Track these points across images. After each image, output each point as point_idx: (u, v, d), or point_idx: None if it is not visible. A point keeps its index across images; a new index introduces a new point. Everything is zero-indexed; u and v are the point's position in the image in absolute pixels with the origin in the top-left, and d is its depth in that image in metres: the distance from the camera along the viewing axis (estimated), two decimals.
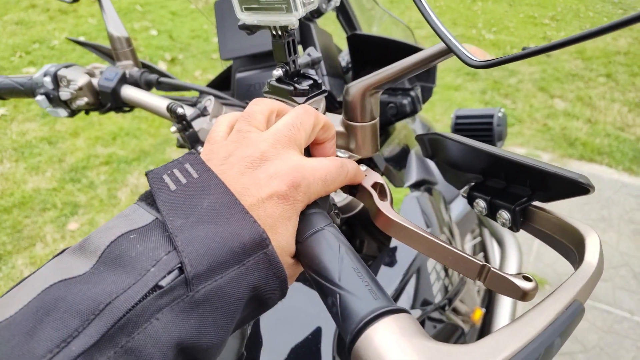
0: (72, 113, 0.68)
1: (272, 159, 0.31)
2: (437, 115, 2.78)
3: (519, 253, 1.02)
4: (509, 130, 2.64)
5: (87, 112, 0.69)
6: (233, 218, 0.28)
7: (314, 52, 0.42)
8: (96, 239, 0.28)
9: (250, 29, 0.39)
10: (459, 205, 1.10)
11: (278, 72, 0.39)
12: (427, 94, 0.68)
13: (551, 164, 0.36)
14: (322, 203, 0.35)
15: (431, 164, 0.83)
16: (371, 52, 0.70)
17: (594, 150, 2.45)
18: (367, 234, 0.73)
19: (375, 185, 0.39)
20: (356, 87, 0.40)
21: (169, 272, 0.26)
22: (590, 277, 0.31)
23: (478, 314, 1.18)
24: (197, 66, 3.49)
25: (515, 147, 2.52)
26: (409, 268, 0.58)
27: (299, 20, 0.70)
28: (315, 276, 0.29)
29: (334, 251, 0.29)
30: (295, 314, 0.50)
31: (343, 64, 0.78)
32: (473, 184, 0.42)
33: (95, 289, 0.25)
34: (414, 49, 0.68)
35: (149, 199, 0.30)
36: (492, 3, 0.68)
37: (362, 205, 0.63)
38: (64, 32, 4.04)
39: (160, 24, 4.15)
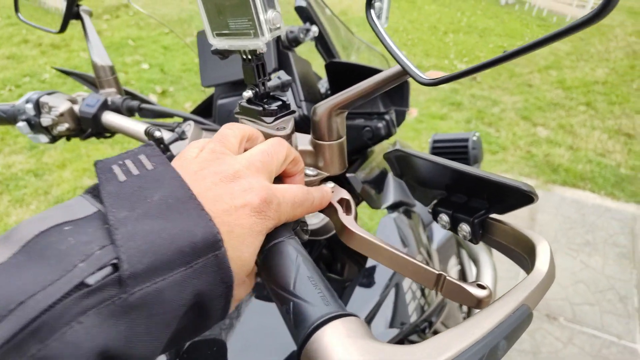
0: (53, 139, 0.69)
1: (245, 177, 0.31)
2: (423, 143, 2.82)
3: (493, 271, 1.03)
4: (494, 158, 2.69)
5: (68, 138, 0.70)
6: (186, 214, 0.26)
7: (284, 76, 0.44)
8: (25, 228, 0.24)
9: (222, 54, 0.41)
10: (442, 230, 1.12)
11: (248, 93, 0.41)
12: (401, 117, 0.70)
13: (501, 175, 0.38)
14: (287, 226, 0.36)
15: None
16: (348, 78, 0.73)
17: (577, 176, 2.50)
18: (347, 257, 0.74)
19: (342, 201, 0.41)
20: (322, 107, 0.42)
21: (100, 269, 0.23)
22: (539, 283, 0.32)
23: None
24: (187, 98, 3.53)
25: (500, 174, 2.56)
26: (385, 288, 0.59)
27: (280, 49, 0.73)
28: (272, 286, 0.30)
29: (292, 261, 0.30)
30: (265, 335, 0.50)
31: (322, 90, 0.81)
32: (437, 200, 0.44)
33: (8, 284, 0.21)
34: None
35: (95, 191, 0.28)
36: (463, 35, 0.72)
37: (333, 231, 0.64)
38: (55, 65, 4.09)
39: (152, 58, 4.22)
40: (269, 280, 0.31)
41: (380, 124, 0.67)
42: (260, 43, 0.37)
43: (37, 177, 2.68)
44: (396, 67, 0.40)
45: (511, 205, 0.37)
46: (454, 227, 0.41)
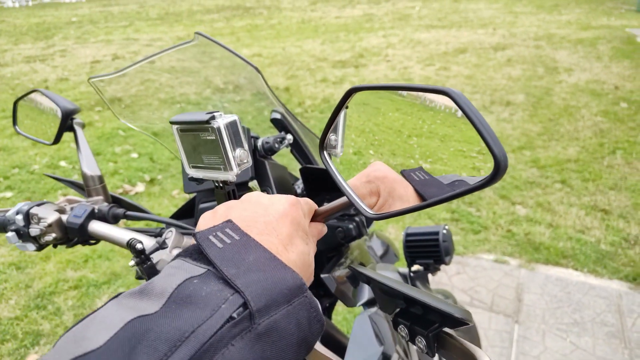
0: (40, 247, 0.72)
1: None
2: (407, 224, 2.88)
3: None
4: (476, 237, 2.74)
5: (54, 246, 0.73)
6: (276, 268, 0.36)
7: (256, 186, 0.49)
8: (159, 284, 0.33)
9: (198, 181, 0.46)
10: None
11: None
12: (369, 219, 0.75)
13: (442, 299, 0.43)
14: None
15: (379, 268, 0.88)
16: (320, 181, 0.79)
17: (558, 254, 2.55)
18: None
19: None
20: None
21: (238, 307, 0.32)
22: None
23: None
24: (175, 186, 3.61)
25: (483, 253, 2.59)
26: None
27: (257, 158, 0.79)
28: None
29: None
30: None
31: (299, 191, 0.86)
32: (398, 310, 0.48)
33: (177, 321, 0.30)
34: None
35: (193, 255, 0.37)
36: (425, 139, 0.80)
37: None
38: (45, 157, 4.19)
39: (141, 147, 4.36)
40: None
41: (351, 225, 0.72)
42: (230, 176, 0.43)
43: (19, 270, 2.63)
44: (345, 199, 0.45)
45: (458, 323, 0.41)
46: (412, 339, 0.45)
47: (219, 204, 0.46)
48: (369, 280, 0.52)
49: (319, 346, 0.41)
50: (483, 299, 2.20)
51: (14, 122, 0.90)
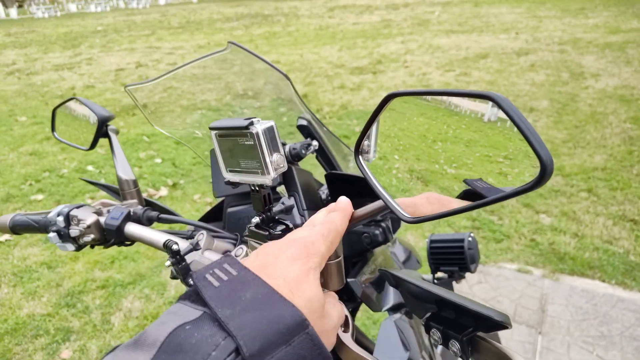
0: (79, 248, 0.75)
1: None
2: (426, 232, 2.86)
3: None
4: (498, 246, 2.70)
5: (92, 247, 0.77)
6: (275, 304, 0.34)
7: (287, 201, 0.51)
8: (152, 333, 0.32)
9: (234, 185, 0.48)
10: None
11: (256, 220, 0.48)
12: (396, 224, 0.76)
13: (479, 303, 0.43)
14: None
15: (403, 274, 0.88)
16: (345, 187, 0.80)
17: (584, 264, 2.49)
18: None
19: (344, 321, 0.45)
20: None
21: (229, 354, 0.30)
22: None
23: None
24: (196, 190, 3.67)
25: (506, 262, 2.56)
26: None
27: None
28: None
29: None
30: None
31: (323, 196, 0.88)
32: (430, 314, 0.48)
33: None
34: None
35: (192, 297, 0.35)
36: (451, 144, 0.80)
37: None
38: (73, 161, 4.31)
39: (164, 153, 4.45)
40: None
41: (377, 231, 0.73)
42: (267, 180, 0.44)
43: (50, 270, 2.72)
44: (380, 202, 0.46)
45: (494, 326, 0.41)
46: (445, 342, 0.45)
47: (254, 207, 0.48)
48: (399, 284, 0.53)
49: (351, 344, 0.42)
50: (506, 309, 2.17)
51: (53, 129, 0.94)
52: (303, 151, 0.78)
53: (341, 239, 0.51)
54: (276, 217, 0.49)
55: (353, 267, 0.77)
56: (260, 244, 0.48)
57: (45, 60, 10.34)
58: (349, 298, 0.73)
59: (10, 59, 10.90)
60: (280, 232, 0.47)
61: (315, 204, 0.79)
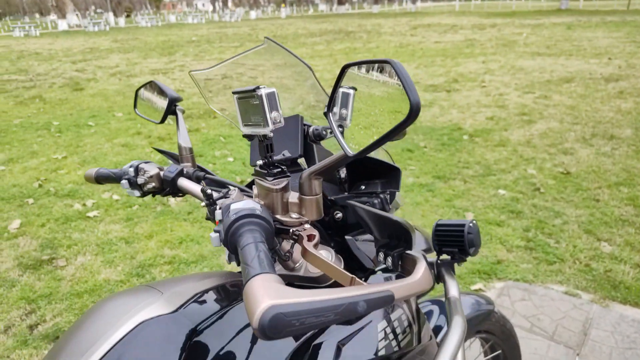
0: (143, 194, 0.96)
1: None
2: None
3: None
4: (550, 268, 2.64)
5: (153, 195, 0.98)
6: None
7: (287, 153, 0.67)
8: None
9: (249, 137, 0.65)
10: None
11: (260, 162, 0.64)
12: (392, 196, 0.89)
13: (415, 226, 0.57)
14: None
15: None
16: (361, 168, 0.94)
17: None
18: None
19: (310, 236, 0.60)
20: (305, 174, 0.64)
21: None
22: (408, 283, 0.49)
23: None
24: None
25: (554, 284, 2.50)
26: (362, 325, 0.73)
27: (307, 142, 0.97)
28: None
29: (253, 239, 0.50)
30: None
31: (342, 175, 1.03)
32: (380, 244, 0.62)
33: None
34: (389, 166, 0.91)
35: None
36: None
37: (332, 280, 0.81)
38: (157, 155, 4.80)
39: (237, 153, 4.81)
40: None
41: (376, 201, 0.87)
42: (267, 131, 0.61)
43: (127, 244, 3.09)
44: (341, 153, 0.60)
45: (406, 240, 0.55)
46: (385, 259, 0.59)
47: (260, 154, 0.65)
48: (355, 210, 0.67)
49: (311, 249, 0.57)
50: (545, 328, 2.14)
51: (135, 106, 1.18)
52: (324, 132, 0.94)
53: (320, 183, 0.66)
54: (275, 163, 0.65)
55: (352, 231, 0.91)
56: (261, 179, 0.64)
57: (144, 65, 11.48)
58: (341, 249, 0.86)
59: (114, 62, 12.22)
60: (275, 172, 0.63)
61: (331, 178, 0.94)
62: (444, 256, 1.10)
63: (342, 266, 0.76)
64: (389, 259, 0.59)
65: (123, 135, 5.62)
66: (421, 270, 0.53)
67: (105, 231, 3.29)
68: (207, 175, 0.97)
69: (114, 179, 1.01)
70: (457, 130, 5.45)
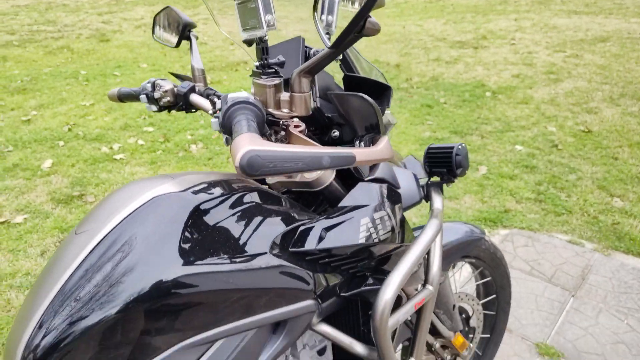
0: (160, 109, 1.06)
1: None
2: (485, 197, 2.92)
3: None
4: (557, 219, 2.68)
5: (169, 110, 1.07)
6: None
7: (281, 57, 0.74)
8: None
9: (248, 42, 0.73)
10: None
11: (256, 63, 0.72)
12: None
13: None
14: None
15: (399, 173, 1.06)
16: (359, 87, 1.01)
17: None
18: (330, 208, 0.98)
19: (297, 126, 0.69)
20: (294, 72, 0.71)
21: None
22: (370, 151, 0.57)
23: (459, 340, 1.29)
24: None
25: (559, 233, 2.55)
26: (344, 217, 0.82)
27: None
28: None
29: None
30: None
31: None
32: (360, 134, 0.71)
33: None
34: (382, 85, 0.98)
35: None
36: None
37: (329, 181, 0.90)
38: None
39: None
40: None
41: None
42: (262, 33, 0.68)
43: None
44: (327, 50, 0.67)
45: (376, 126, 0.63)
46: (359, 145, 0.68)
47: (257, 56, 0.73)
48: (330, 98, 0.75)
49: (297, 133, 0.65)
50: (544, 271, 2.22)
51: (153, 32, 1.27)
52: None
53: (308, 81, 0.74)
54: (270, 65, 0.73)
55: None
56: (256, 78, 0.73)
57: None
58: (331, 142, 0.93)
59: (139, 15, 12.23)
60: (269, 72, 0.71)
61: (328, 100, 1.01)
62: (435, 178, 1.18)
63: None
64: (362, 143, 0.67)
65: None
66: (383, 142, 0.61)
67: (130, 172, 3.47)
68: (217, 93, 1.06)
69: (134, 96, 1.11)
70: (480, 87, 5.37)
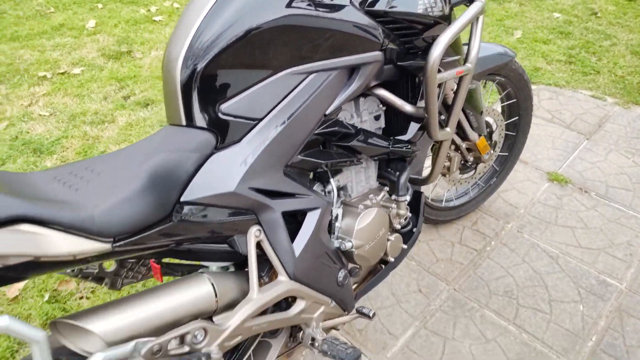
0: None
1: None
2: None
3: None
4: (584, 77, 2.79)
5: None
6: None
7: None
8: None
9: None
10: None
11: None
12: None
13: None
14: None
15: None
16: None
17: None
18: None
19: None
20: None
21: None
22: None
23: (483, 142, 1.53)
24: None
25: (584, 90, 2.68)
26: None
27: None
28: None
29: None
30: None
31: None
32: None
33: None
34: None
35: None
36: None
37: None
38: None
39: None
40: None
41: None
42: None
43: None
44: None
45: None
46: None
47: None
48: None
49: None
50: (564, 119, 2.40)
51: None
52: None
53: None
54: None
55: None
56: None
57: None
58: None
59: None
60: None
61: None
62: None
63: None
64: None
65: None
66: None
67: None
68: None
69: None
70: None
